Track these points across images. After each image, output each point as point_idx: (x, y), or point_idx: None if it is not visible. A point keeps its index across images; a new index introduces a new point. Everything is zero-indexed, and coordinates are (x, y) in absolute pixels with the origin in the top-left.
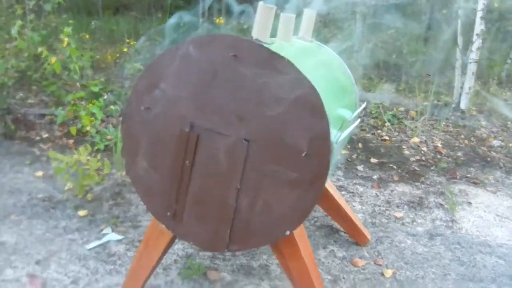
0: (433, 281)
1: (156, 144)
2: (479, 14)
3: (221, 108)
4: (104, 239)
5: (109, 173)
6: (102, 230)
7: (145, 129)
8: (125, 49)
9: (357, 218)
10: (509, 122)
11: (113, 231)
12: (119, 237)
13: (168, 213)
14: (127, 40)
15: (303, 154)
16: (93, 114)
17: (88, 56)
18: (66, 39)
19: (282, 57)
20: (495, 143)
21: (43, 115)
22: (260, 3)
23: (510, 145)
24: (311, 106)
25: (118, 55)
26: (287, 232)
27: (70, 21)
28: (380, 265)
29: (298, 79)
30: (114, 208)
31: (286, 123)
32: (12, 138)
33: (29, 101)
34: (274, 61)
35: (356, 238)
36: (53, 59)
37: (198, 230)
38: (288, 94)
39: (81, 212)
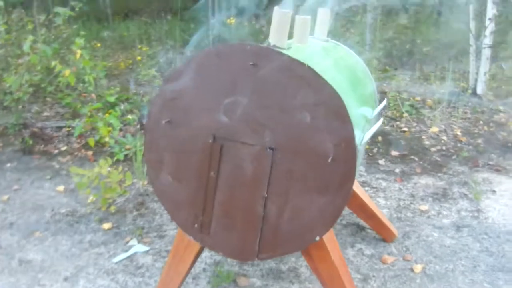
0: (463, 273)
1: (179, 157)
2: None
3: (244, 117)
4: (131, 251)
5: (130, 184)
6: (128, 242)
7: (167, 142)
8: (139, 58)
9: (383, 214)
10: None
11: (139, 242)
12: (146, 248)
13: (196, 225)
14: (139, 46)
15: (329, 160)
16: (110, 124)
17: (102, 66)
18: (79, 51)
19: (302, 63)
20: None
21: (60, 128)
22: (276, 8)
23: None
24: (334, 110)
25: (131, 61)
26: (317, 238)
27: (82, 32)
28: (409, 260)
29: (320, 84)
30: (138, 219)
31: (310, 129)
32: (30, 153)
33: (45, 114)
34: (294, 68)
35: (383, 235)
36: (67, 72)
37: (226, 240)
38: (310, 100)
39: (106, 225)
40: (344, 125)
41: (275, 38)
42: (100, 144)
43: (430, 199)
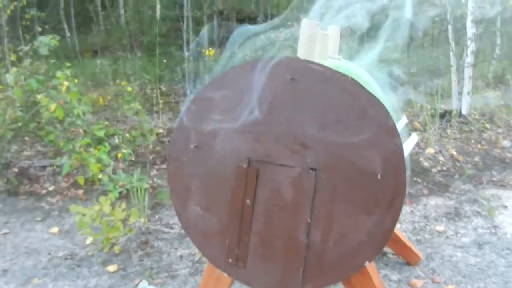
0: None
1: (210, 185)
2: (470, 17)
3: (282, 137)
4: None
5: (135, 221)
6: (137, 284)
7: (195, 169)
8: (130, 89)
9: (406, 238)
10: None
11: (149, 284)
12: None
13: (230, 260)
14: (118, 81)
15: (379, 177)
16: (100, 161)
17: (88, 99)
18: (65, 83)
19: (344, 75)
20: (506, 143)
21: (44, 167)
22: (304, 20)
23: None
24: (381, 124)
25: (109, 97)
26: (367, 263)
27: (68, 64)
28: (438, 282)
29: (364, 96)
30: (145, 259)
31: (355, 145)
32: (16, 194)
33: (25, 153)
34: (336, 80)
35: (407, 258)
36: (53, 106)
37: (266, 274)
38: (354, 113)
39: (111, 268)
40: (393, 138)
41: (304, 52)
42: (90, 182)
43: (444, 219)
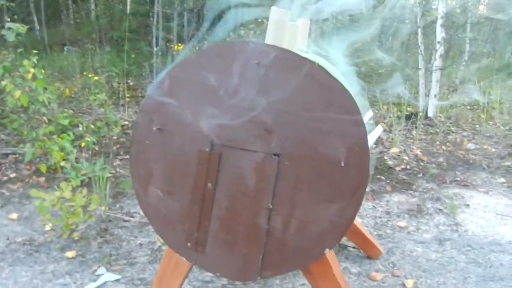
0: (455, 286)
1: (172, 168)
2: (439, 22)
3: (245, 122)
4: (100, 281)
5: (95, 208)
6: (95, 271)
7: (158, 152)
8: (96, 78)
9: (367, 231)
10: (477, 126)
11: (108, 271)
12: (116, 276)
13: (189, 244)
14: (85, 73)
15: (342, 164)
16: (63, 149)
17: (53, 88)
18: (32, 70)
19: (312, 62)
20: (470, 146)
21: (6, 155)
22: (273, 8)
23: (485, 147)
24: (347, 112)
25: (75, 89)
26: (327, 250)
27: (35, 51)
28: (398, 276)
29: (331, 83)
30: (104, 246)
31: (320, 132)
32: None
33: None
34: (303, 66)
35: (368, 252)
36: (17, 93)
37: (225, 259)
38: (321, 100)
39: (69, 253)
40: (358, 127)
41: (272, 39)
42: (52, 170)
43: (406, 215)
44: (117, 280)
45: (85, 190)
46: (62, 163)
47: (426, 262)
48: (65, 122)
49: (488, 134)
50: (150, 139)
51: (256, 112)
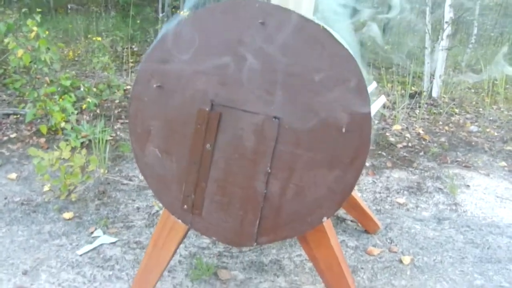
0: (452, 265)
1: (170, 127)
2: (448, 1)
3: (247, 82)
4: (96, 243)
5: (94, 168)
6: (92, 232)
7: (157, 110)
8: (99, 39)
9: (366, 206)
10: (481, 109)
11: (104, 233)
12: (113, 239)
13: (185, 206)
14: (89, 36)
15: (343, 130)
16: (64, 110)
17: (56, 48)
18: (35, 29)
19: (317, 24)
20: (473, 128)
21: (7, 115)
22: None
23: (488, 130)
24: (350, 77)
25: (79, 51)
26: (324, 219)
27: (38, 9)
28: (395, 252)
29: (336, 47)
30: (101, 208)
31: (322, 96)
32: None
33: None
34: (308, 28)
35: (366, 226)
36: (20, 52)
37: (221, 223)
38: (324, 64)
39: (66, 215)
40: (361, 94)
41: (278, 1)
42: (52, 131)
43: (405, 192)
44: (113, 243)
45: (84, 151)
46: (63, 124)
47: (423, 239)
48: (67, 83)
49: (491, 118)
50: (149, 96)
51: (257, 72)
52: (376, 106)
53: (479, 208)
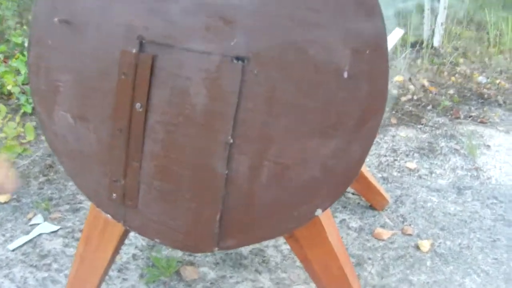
0: (482, 251)
1: (85, 81)
2: None
3: (191, 7)
4: (33, 233)
5: (32, 139)
6: (30, 219)
7: (65, 57)
8: None
9: (372, 175)
10: (486, 59)
11: (45, 219)
12: (54, 227)
13: (114, 195)
14: None
15: (345, 75)
16: (17, 72)
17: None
18: None
19: None
20: (481, 79)
21: None
22: None
23: (497, 81)
24: None
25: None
26: (319, 211)
27: None
28: (410, 235)
29: None
30: (45, 186)
31: (310, 24)
32: None
33: None
34: None
35: (371, 200)
36: None
37: (166, 220)
38: None
39: (2, 197)
40: (372, 19)
41: None
42: (4, 96)
43: (416, 154)
44: (54, 232)
45: (18, 118)
46: (9, 87)
47: (443, 217)
48: (19, 40)
49: (499, 69)
50: (54, 37)
51: None
52: (392, 40)
53: (505, 174)
